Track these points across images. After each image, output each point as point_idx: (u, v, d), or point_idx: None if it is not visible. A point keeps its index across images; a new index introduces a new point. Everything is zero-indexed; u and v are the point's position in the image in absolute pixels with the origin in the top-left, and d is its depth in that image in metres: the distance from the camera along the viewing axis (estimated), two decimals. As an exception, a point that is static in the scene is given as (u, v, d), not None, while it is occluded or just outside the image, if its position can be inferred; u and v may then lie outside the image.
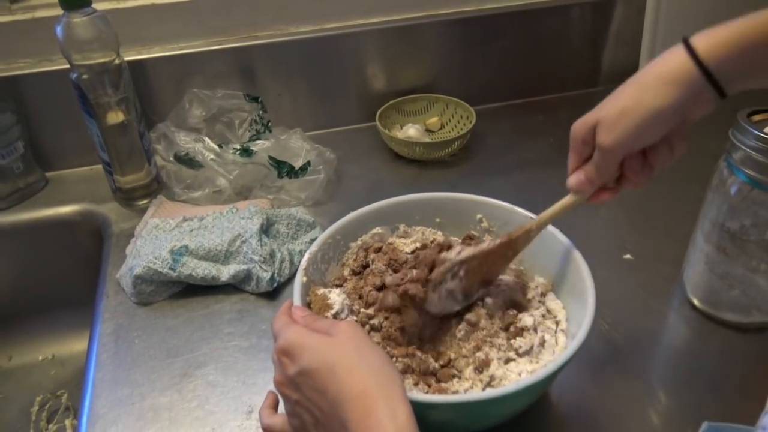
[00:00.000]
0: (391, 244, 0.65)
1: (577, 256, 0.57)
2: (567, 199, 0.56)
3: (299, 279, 0.57)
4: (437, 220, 0.68)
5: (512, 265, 0.62)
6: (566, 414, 0.58)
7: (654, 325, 0.67)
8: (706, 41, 0.46)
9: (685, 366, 0.63)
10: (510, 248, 0.57)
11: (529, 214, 0.62)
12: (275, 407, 0.53)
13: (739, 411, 0.58)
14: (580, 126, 0.52)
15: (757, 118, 0.58)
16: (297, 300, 0.54)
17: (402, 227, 0.67)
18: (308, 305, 0.57)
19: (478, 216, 0.66)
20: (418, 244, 0.66)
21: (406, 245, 0.66)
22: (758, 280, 0.61)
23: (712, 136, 0.65)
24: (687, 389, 0.60)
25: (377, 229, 0.66)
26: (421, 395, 0.49)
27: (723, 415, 0.57)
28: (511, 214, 0.64)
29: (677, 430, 0.56)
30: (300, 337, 0.45)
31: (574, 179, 0.54)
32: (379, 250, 0.64)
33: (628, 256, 0.75)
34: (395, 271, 0.61)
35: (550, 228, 0.60)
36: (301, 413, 0.45)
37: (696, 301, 0.67)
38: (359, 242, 0.65)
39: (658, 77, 0.47)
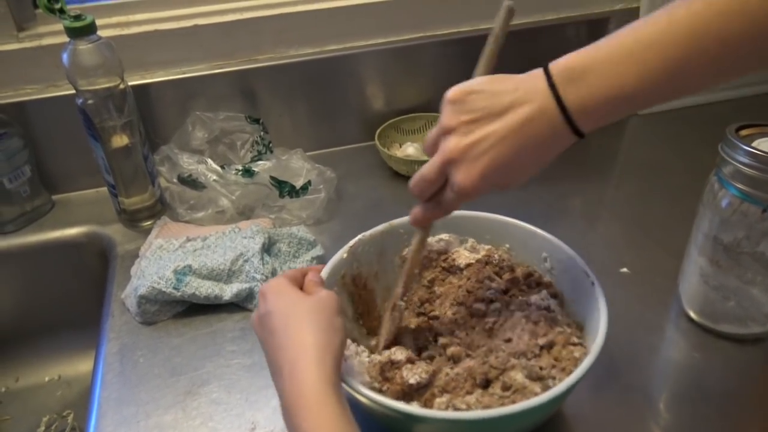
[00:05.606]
0: (453, 254, 0.65)
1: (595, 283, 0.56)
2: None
3: (340, 254, 0.57)
4: (507, 245, 0.66)
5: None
6: (566, 429, 0.58)
7: (652, 337, 0.67)
8: (579, 103, 0.44)
9: (684, 378, 0.63)
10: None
11: (587, 269, 0.58)
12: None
13: (739, 422, 0.59)
14: None
15: (745, 132, 0.59)
16: (326, 269, 0.57)
17: (471, 241, 0.67)
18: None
19: (544, 254, 0.63)
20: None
21: (467, 259, 0.64)
22: (753, 291, 0.62)
23: (705, 151, 0.66)
24: (687, 401, 0.61)
25: (444, 235, 0.65)
26: (432, 411, 0.49)
27: (723, 427, 0.58)
28: (571, 261, 0.59)
29: (677, 442, 0.56)
30: (280, 285, 0.50)
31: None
32: (438, 257, 0.65)
33: (624, 270, 0.76)
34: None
35: (567, 249, 0.60)
36: (263, 350, 0.49)
37: (692, 314, 0.68)
38: None
39: (537, 146, 0.47)
